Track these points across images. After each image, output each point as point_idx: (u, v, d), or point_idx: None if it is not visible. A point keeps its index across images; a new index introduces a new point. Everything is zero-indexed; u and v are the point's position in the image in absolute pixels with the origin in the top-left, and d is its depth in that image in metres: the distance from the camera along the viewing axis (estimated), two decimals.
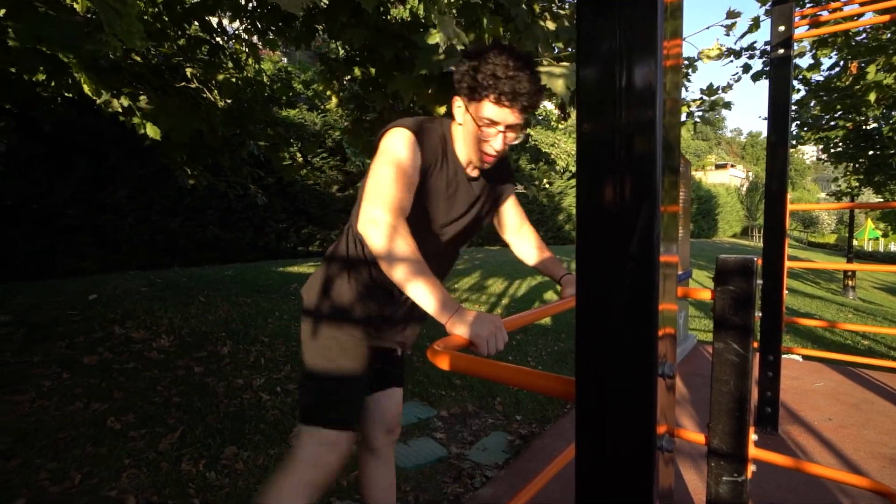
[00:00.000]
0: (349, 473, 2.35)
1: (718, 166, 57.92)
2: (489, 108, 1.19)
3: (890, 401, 2.76)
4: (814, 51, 6.76)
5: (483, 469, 2.46)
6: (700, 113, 5.14)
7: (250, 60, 4.16)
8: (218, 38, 3.78)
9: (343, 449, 1.34)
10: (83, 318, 4.11)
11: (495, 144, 1.23)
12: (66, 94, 2.73)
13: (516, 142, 1.28)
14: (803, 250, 29.81)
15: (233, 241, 8.76)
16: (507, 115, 1.19)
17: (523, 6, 2.53)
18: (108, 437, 2.52)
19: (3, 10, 1.74)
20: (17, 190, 6.35)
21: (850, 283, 10.58)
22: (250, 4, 3.32)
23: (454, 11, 2.50)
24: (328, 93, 3.67)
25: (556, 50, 3.02)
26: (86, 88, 2.14)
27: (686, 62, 4.91)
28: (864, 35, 6.25)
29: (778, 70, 2.32)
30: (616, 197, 0.53)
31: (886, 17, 2.51)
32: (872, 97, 5.91)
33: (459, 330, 1.00)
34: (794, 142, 8.83)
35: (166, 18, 3.27)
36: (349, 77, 3.53)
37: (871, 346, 5.34)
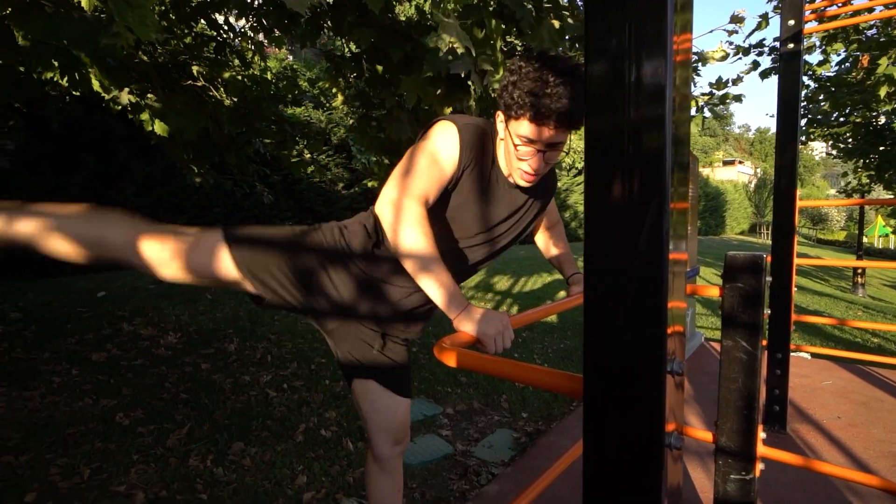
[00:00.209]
0: (355, 470, 2.36)
1: (726, 163, 57.57)
2: (526, 127, 1.12)
3: None
4: (823, 47, 6.69)
5: (489, 466, 2.47)
6: (709, 107, 5.10)
7: (256, 58, 4.17)
8: (224, 36, 3.79)
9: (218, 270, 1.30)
10: (92, 315, 4.15)
11: (533, 164, 1.17)
12: (75, 92, 2.75)
13: (556, 160, 1.23)
14: (812, 247, 29.61)
15: None
16: (546, 135, 1.12)
17: (529, 6, 2.51)
18: (117, 432, 2.54)
19: (9, 10, 1.75)
20: (27, 188, 6.40)
21: (859, 280, 10.48)
22: (256, 2, 3.33)
23: (458, 12, 2.48)
24: (334, 90, 3.67)
25: (560, 50, 3.01)
26: (95, 85, 2.15)
27: (695, 56, 4.87)
28: (874, 29, 6.18)
29: (787, 65, 2.30)
30: (625, 193, 0.52)
31: None
32: (883, 92, 5.83)
33: (466, 327, 1.00)
34: (802, 138, 8.75)
35: (173, 17, 3.28)
36: (355, 74, 3.53)
37: (881, 343, 5.30)
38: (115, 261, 1.24)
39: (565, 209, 16.38)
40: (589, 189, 0.55)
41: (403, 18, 3.54)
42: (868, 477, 0.96)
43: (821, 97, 7.66)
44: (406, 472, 2.32)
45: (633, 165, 0.52)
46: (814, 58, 7.42)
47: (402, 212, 1.08)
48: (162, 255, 1.23)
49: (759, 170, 57.00)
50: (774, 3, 5.96)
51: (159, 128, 2.90)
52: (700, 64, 4.24)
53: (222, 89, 3.76)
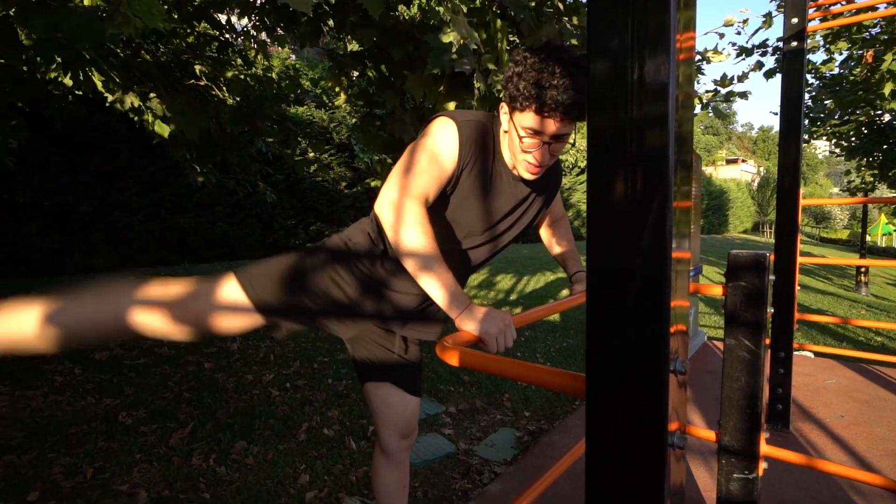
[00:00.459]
0: (357, 469, 2.37)
1: (729, 161, 57.43)
2: (531, 119, 1.10)
3: None
4: (827, 45, 6.67)
5: (491, 465, 2.47)
6: (714, 105, 5.09)
7: (259, 57, 4.17)
8: (227, 35, 3.79)
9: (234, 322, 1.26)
10: None
11: (538, 156, 1.16)
12: (78, 92, 2.76)
13: (561, 152, 1.22)
14: (815, 246, 29.53)
15: (242, 238, 8.81)
16: (552, 127, 1.11)
17: (531, 4, 2.51)
18: (120, 432, 2.55)
19: (13, 10, 1.75)
20: (30, 187, 6.42)
21: (862, 278, 10.45)
22: (259, 0, 3.33)
23: (464, 10, 2.48)
24: (336, 89, 3.67)
25: None
26: (99, 85, 2.15)
27: (697, 56, 4.86)
28: (877, 27, 6.15)
29: (791, 63, 2.29)
30: (627, 192, 0.52)
31: None
32: (887, 89, 5.80)
33: (469, 326, 0.99)
34: (805, 136, 8.72)
35: (176, 16, 3.28)
36: (358, 73, 3.53)
37: (884, 342, 5.28)
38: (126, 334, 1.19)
39: (568, 208, 16.36)
40: (591, 188, 0.55)
41: (407, 17, 3.54)
42: (871, 476, 0.96)
43: (823, 97, 7.63)
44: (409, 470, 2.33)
45: (636, 164, 0.52)
46: (818, 57, 7.41)
47: (402, 211, 1.07)
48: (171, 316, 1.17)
49: (762, 168, 56.85)
50: (778, 2, 5.94)
51: (160, 128, 2.90)
52: (704, 62, 4.23)
53: (225, 88, 3.77)
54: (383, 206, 1.10)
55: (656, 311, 0.52)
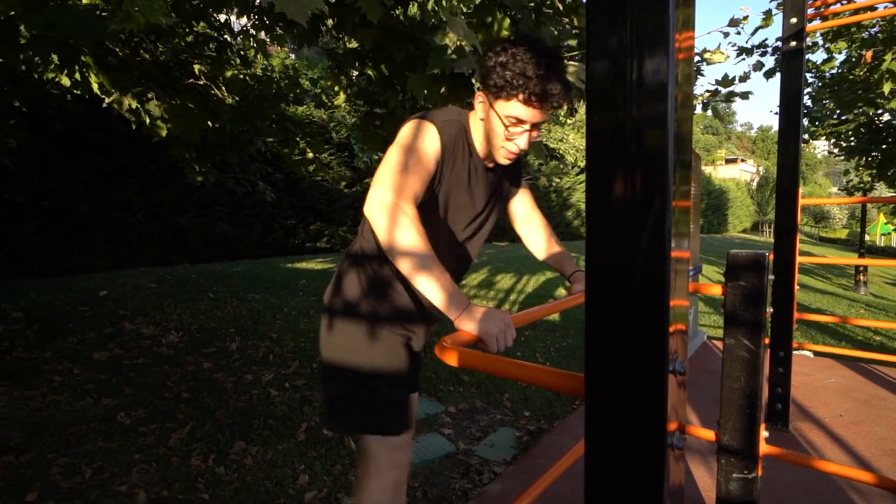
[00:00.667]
0: (356, 469, 2.36)
1: (729, 161, 57.43)
2: (517, 108, 1.15)
3: None
4: (827, 45, 6.67)
5: (491, 465, 2.47)
6: (713, 105, 5.08)
7: (259, 56, 4.17)
8: (226, 35, 3.79)
9: (410, 441, 1.36)
10: (94, 314, 4.15)
11: (520, 143, 1.20)
12: (76, 91, 2.75)
13: (538, 138, 1.26)
14: (815, 245, 29.54)
15: (241, 238, 8.81)
16: (535, 115, 1.16)
17: (528, 10, 2.51)
18: (119, 432, 2.55)
19: (17, 10, 1.74)
20: (30, 187, 6.42)
21: (861, 278, 10.46)
22: (257, 0, 3.32)
23: (464, 11, 2.49)
24: (336, 88, 3.67)
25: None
26: (95, 87, 2.14)
27: (696, 56, 4.85)
28: (876, 27, 6.16)
29: (790, 63, 2.29)
30: (627, 191, 0.52)
31: None
32: (887, 88, 5.80)
33: (468, 326, 0.99)
34: (805, 136, 8.73)
35: (174, 15, 3.28)
36: (358, 73, 3.53)
37: (883, 341, 5.28)
38: None
39: (568, 208, 16.35)
40: (591, 187, 0.55)
41: (411, 13, 3.53)
42: (870, 475, 0.95)
43: (823, 96, 7.63)
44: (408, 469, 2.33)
45: (635, 164, 0.51)
46: (818, 56, 7.43)
47: (393, 213, 1.05)
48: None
49: (761, 168, 56.89)
50: (777, 1, 5.94)
51: (160, 128, 2.90)
52: (704, 63, 4.23)
53: (224, 88, 3.76)
54: (373, 209, 1.07)
55: (656, 310, 0.52)
